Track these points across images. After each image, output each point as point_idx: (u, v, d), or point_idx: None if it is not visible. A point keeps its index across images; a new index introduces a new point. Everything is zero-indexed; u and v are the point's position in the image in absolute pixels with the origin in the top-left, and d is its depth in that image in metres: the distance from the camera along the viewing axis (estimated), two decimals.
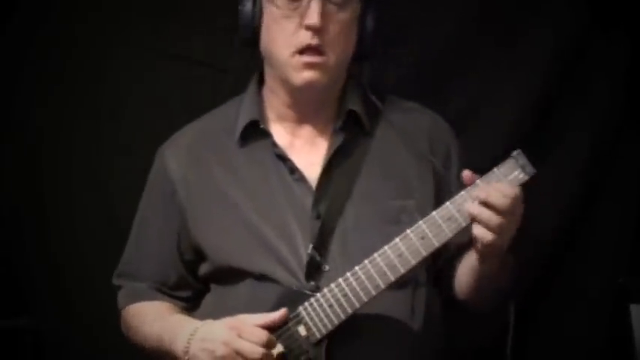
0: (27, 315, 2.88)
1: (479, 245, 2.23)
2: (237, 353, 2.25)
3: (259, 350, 2.25)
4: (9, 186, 2.94)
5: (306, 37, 2.35)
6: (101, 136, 2.95)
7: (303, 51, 2.35)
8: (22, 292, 2.94)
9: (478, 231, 2.21)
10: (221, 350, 2.27)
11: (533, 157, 2.27)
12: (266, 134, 2.43)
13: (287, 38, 2.36)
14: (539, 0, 2.86)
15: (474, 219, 2.20)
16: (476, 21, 2.89)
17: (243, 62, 2.74)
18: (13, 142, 2.94)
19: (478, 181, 2.24)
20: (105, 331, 2.85)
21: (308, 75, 2.36)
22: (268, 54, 2.41)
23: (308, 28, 2.34)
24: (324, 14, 2.34)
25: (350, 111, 2.43)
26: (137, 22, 2.94)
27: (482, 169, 2.38)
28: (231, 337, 2.26)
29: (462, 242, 2.36)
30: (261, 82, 2.50)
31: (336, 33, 2.37)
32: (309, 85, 2.37)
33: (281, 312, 2.29)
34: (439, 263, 2.44)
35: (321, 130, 2.45)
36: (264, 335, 2.26)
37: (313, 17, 2.33)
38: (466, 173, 2.24)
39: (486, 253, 2.25)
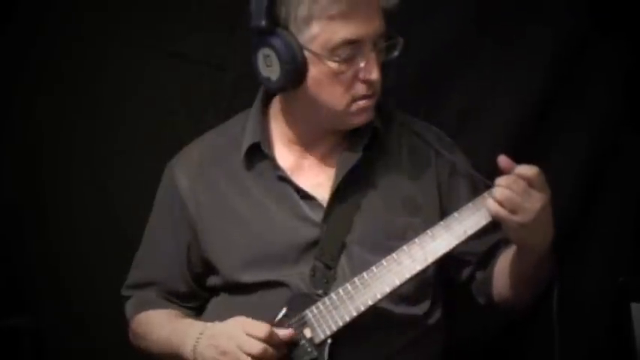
0: (27, 315, 2.88)
1: (505, 230, 2.26)
2: (239, 348, 2.27)
3: (260, 345, 2.26)
4: (9, 185, 2.94)
5: (363, 89, 2.36)
6: (101, 135, 2.95)
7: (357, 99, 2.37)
8: (22, 291, 2.94)
9: (492, 207, 2.22)
10: (224, 344, 2.29)
11: (532, 157, 2.28)
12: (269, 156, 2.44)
13: (344, 91, 2.35)
14: (539, 1, 2.86)
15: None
16: (475, 22, 2.89)
17: (242, 60, 2.74)
18: (13, 141, 2.95)
19: (485, 194, 2.26)
20: (105, 331, 2.87)
21: (364, 117, 2.39)
22: (316, 103, 2.38)
23: (367, 82, 2.34)
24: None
25: (373, 128, 2.44)
26: (136, 21, 2.94)
27: (481, 170, 2.39)
28: (236, 331, 2.29)
29: (481, 251, 2.44)
30: (265, 101, 2.49)
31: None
32: (360, 125, 2.40)
33: (288, 331, 2.31)
34: (463, 274, 2.48)
35: (330, 151, 2.46)
36: (266, 330, 2.27)
37: (374, 74, 2.34)
38: (502, 159, 2.24)
39: (515, 239, 2.28)
